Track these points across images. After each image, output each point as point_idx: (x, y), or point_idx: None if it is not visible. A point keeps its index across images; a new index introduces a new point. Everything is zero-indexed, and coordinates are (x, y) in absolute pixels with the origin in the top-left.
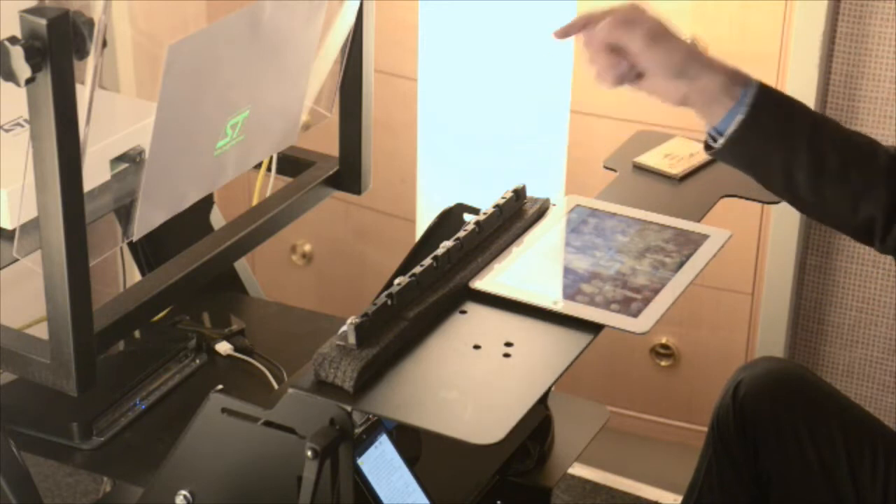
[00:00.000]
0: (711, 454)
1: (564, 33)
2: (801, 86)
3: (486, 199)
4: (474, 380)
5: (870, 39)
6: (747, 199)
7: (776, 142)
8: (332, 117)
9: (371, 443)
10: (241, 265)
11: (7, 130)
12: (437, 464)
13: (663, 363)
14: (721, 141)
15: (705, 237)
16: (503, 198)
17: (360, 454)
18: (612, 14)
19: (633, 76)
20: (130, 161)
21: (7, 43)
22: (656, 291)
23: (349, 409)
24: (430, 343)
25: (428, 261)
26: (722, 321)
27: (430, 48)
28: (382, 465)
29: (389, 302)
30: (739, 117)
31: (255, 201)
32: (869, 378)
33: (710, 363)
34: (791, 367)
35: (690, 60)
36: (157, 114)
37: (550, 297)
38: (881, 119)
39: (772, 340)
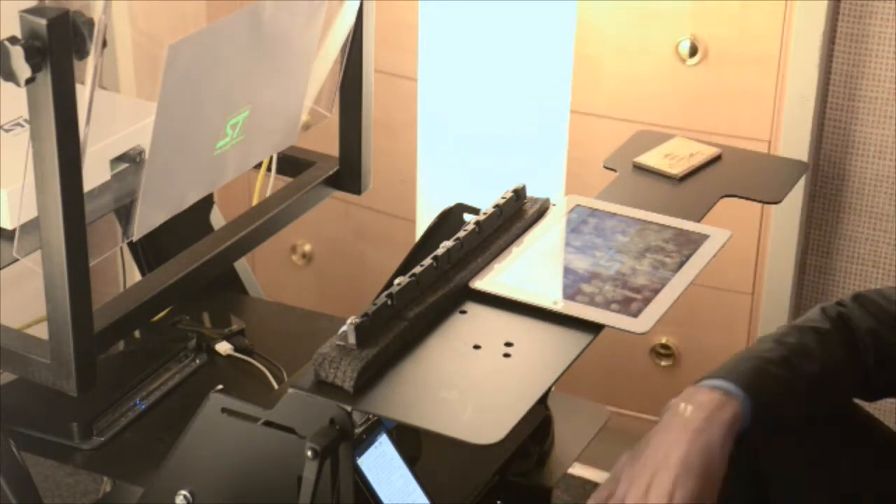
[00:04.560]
0: None
1: None
2: (802, 86)
3: (486, 199)
4: (474, 380)
5: (870, 39)
6: (747, 199)
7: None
8: (332, 117)
9: (371, 443)
10: (241, 265)
11: (7, 130)
12: (437, 464)
13: (663, 363)
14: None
15: (705, 237)
16: (503, 198)
17: (360, 454)
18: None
19: None
20: (130, 161)
21: (7, 43)
22: (656, 291)
23: (349, 409)
24: (430, 343)
25: (428, 261)
26: (722, 321)
27: (430, 48)
28: (382, 465)
29: (389, 302)
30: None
31: (255, 201)
32: None
33: (710, 363)
34: None
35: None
36: (157, 114)
37: (550, 297)
38: (881, 119)
39: None
